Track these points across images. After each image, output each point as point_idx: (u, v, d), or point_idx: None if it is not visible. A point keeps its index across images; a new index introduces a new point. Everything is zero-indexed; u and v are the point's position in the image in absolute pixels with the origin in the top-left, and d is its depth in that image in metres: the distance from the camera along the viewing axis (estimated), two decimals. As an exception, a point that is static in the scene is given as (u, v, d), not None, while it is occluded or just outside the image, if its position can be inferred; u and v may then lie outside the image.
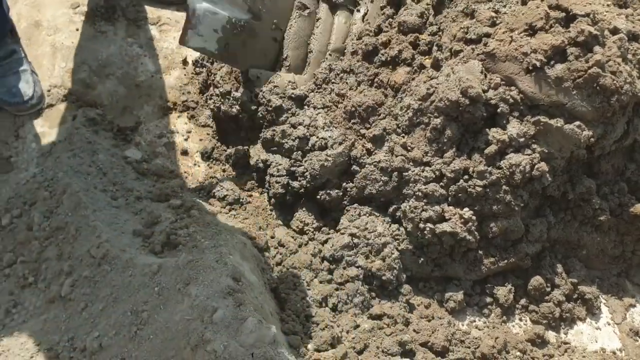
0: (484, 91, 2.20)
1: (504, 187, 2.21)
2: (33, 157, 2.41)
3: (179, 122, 2.68)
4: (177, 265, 1.89)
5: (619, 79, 2.14)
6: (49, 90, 2.60)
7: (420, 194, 2.25)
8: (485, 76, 2.25)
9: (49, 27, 2.81)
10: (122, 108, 2.64)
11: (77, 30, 2.82)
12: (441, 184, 2.25)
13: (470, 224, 2.22)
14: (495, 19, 2.32)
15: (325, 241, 2.35)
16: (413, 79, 2.40)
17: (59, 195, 2.24)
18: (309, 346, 2.01)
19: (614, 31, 2.24)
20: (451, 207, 2.25)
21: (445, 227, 2.21)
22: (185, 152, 2.59)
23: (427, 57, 2.46)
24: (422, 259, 2.31)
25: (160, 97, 2.71)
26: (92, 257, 2.03)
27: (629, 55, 2.27)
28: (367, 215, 2.36)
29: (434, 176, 2.26)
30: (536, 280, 2.36)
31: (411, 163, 2.30)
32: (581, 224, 2.41)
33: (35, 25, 2.80)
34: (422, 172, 2.27)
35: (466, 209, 2.24)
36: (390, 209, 2.37)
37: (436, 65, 2.41)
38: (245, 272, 1.91)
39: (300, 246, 2.34)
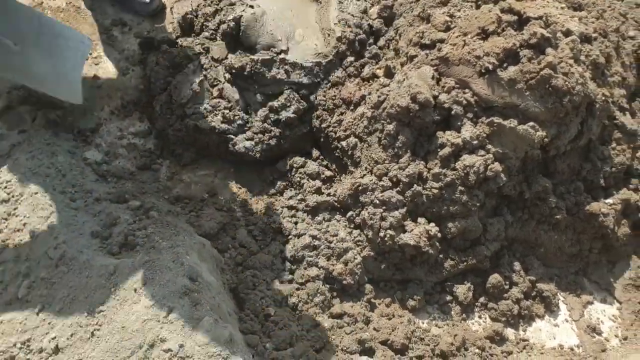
0: (436, 96, 2.25)
1: (459, 187, 2.25)
2: (-9, 160, 2.39)
3: (139, 123, 2.66)
4: (134, 265, 1.89)
5: (570, 80, 2.19)
6: (8, 92, 2.57)
7: (377, 201, 2.28)
8: (439, 81, 2.29)
9: (9, 28, 2.79)
10: (82, 109, 2.62)
11: (38, 32, 2.80)
12: (397, 189, 2.28)
13: (434, 239, 2.26)
14: (449, 23, 2.36)
15: (287, 242, 2.36)
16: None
17: (17, 197, 2.22)
18: (267, 345, 2.01)
19: (567, 33, 2.30)
20: (415, 222, 2.28)
21: (408, 239, 2.24)
22: (148, 152, 2.58)
23: (377, 66, 2.51)
24: (383, 265, 2.34)
25: (121, 98, 2.69)
26: (50, 259, 2.02)
27: (582, 56, 2.33)
28: (327, 219, 2.39)
29: (390, 184, 2.29)
30: (495, 279, 2.40)
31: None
32: (538, 222, 2.46)
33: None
34: (379, 180, 2.30)
35: (432, 224, 2.27)
36: (349, 214, 2.40)
37: (388, 74, 2.45)
38: (202, 273, 1.92)
39: (261, 247, 2.35)
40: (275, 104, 2.46)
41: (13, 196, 2.23)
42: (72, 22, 2.87)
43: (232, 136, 2.45)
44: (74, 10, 2.92)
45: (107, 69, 2.77)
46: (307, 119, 2.54)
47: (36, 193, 2.19)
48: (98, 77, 2.73)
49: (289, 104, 2.46)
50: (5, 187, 2.25)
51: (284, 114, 2.45)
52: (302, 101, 2.49)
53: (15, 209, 2.20)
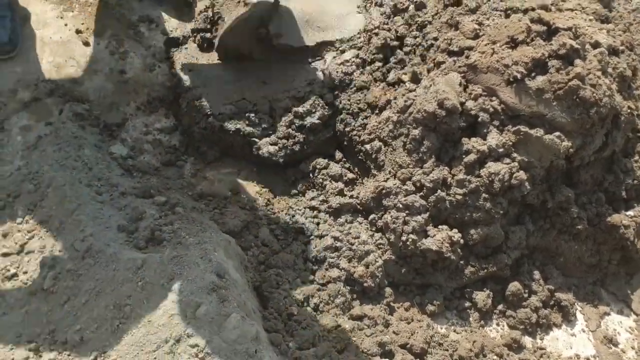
0: (463, 103, 2.26)
1: (483, 195, 2.25)
2: (18, 150, 2.40)
3: (165, 119, 2.68)
4: (162, 260, 1.90)
5: (598, 91, 2.20)
6: (35, 84, 2.59)
7: (400, 205, 2.29)
8: (466, 88, 2.30)
9: (37, 21, 2.81)
10: (109, 104, 2.64)
11: (66, 25, 2.83)
12: (421, 194, 2.29)
13: (456, 245, 2.27)
14: (478, 31, 2.37)
15: (308, 242, 2.37)
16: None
17: (44, 189, 2.24)
18: (291, 344, 2.03)
19: (595, 45, 2.31)
20: (437, 228, 2.29)
21: (430, 244, 2.25)
22: (173, 148, 2.60)
23: (403, 71, 2.52)
24: (404, 269, 2.35)
25: (147, 94, 2.71)
26: (76, 251, 2.03)
27: (609, 69, 2.34)
28: (349, 222, 2.40)
29: (414, 188, 2.30)
30: (514, 286, 2.41)
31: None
32: (559, 232, 2.47)
33: (23, 19, 2.79)
34: (403, 185, 2.31)
35: (455, 230, 2.28)
36: (371, 217, 2.41)
37: (415, 79, 2.46)
38: (229, 269, 1.93)
39: (283, 247, 2.36)
40: (301, 109, 2.48)
41: (40, 187, 2.24)
42: (100, 17, 2.90)
43: (256, 139, 2.47)
44: (102, 5, 2.94)
45: (133, 64, 2.79)
46: (331, 122, 2.55)
47: (63, 185, 2.21)
48: (125, 72, 2.75)
49: (314, 110, 2.48)
50: (33, 179, 2.27)
51: (308, 120, 2.47)
52: (327, 107, 2.50)
53: (41, 200, 2.22)
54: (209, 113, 2.50)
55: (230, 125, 2.46)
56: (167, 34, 2.90)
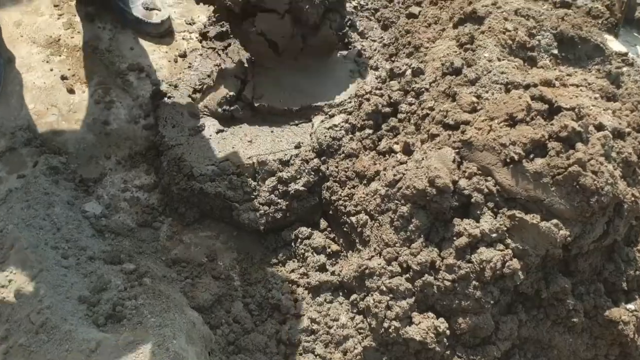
0: (456, 181, 2.12)
1: (473, 282, 2.10)
2: (-14, 204, 2.29)
3: (145, 176, 2.56)
4: (117, 345, 1.76)
5: (600, 179, 2.05)
6: (12, 133, 2.49)
7: (384, 288, 2.14)
8: (460, 165, 2.17)
9: (22, 64, 2.72)
10: (88, 157, 2.53)
11: (52, 70, 2.73)
12: (406, 276, 2.14)
13: (442, 336, 2.11)
14: (476, 104, 2.25)
15: (284, 321, 2.22)
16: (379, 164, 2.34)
17: (7, 250, 2.12)
18: None
19: (599, 127, 2.17)
20: (423, 315, 2.13)
21: (414, 333, 2.09)
22: (150, 208, 2.47)
23: (395, 140, 2.39)
24: (385, 357, 2.18)
25: (130, 148, 2.60)
26: (32, 324, 1.90)
27: (613, 153, 2.20)
28: (329, 301, 2.26)
29: (400, 270, 2.15)
30: (503, 379, 2.24)
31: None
32: (553, 323, 2.30)
33: (7, 61, 2.71)
34: (388, 265, 2.17)
35: (441, 319, 2.12)
36: (352, 298, 2.26)
37: (407, 151, 2.33)
38: (188, 359, 1.78)
39: (256, 324, 2.21)
40: (285, 175, 2.35)
41: (2, 248, 2.13)
42: (88, 63, 2.80)
43: (237, 204, 2.34)
44: (91, 50, 2.86)
45: (118, 116, 2.69)
46: (317, 189, 2.41)
47: (26, 248, 2.09)
48: (108, 123, 2.65)
49: (299, 176, 2.35)
50: (-4, 238, 2.16)
51: (292, 187, 2.33)
52: (312, 173, 2.37)
53: (3, 262, 2.10)
54: (189, 174, 2.37)
55: (211, 189, 2.34)
56: (157, 84, 2.79)
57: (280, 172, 2.36)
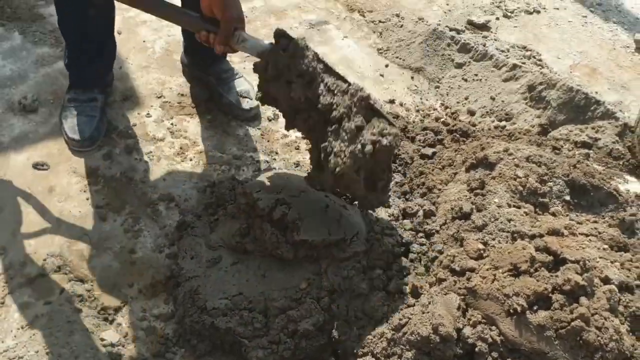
0: (460, 329, 2.15)
1: None
2: (12, 329, 2.42)
3: (164, 305, 2.66)
4: None
5: (604, 335, 2.06)
6: (44, 260, 2.66)
7: None
8: (465, 312, 2.20)
9: (61, 193, 2.94)
10: (111, 285, 2.66)
11: (88, 199, 2.94)
12: None
13: None
14: (482, 252, 2.31)
15: None
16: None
17: (23, 378, 2.22)
18: None
19: (605, 281, 2.20)
20: None
21: None
22: (164, 338, 2.55)
23: (404, 281, 2.45)
24: None
25: (152, 277, 2.72)
26: None
27: (620, 307, 2.20)
28: None
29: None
30: None
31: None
32: None
33: (49, 190, 2.93)
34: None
35: None
36: None
37: (415, 294, 2.38)
38: None
39: None
40: (295, 313, 2.41)
41: (20, 376, 2.23)
42: (122, 192, 3.00)
43: (246, 340, 2.40)
44: (126, 181, 3.06)
45: (144, 244, 2.83)
46: (327, 328, 2.46)
47: (42, 377, 2.18)
48: (134, 252, 2.79)
49: (308, 315, 2.41)
50: (15, 364, 2.26)
51: (302, 326, 2.39)
52: (323, 311, 2.43)
53: (19, 390, 2.19)
54: (203, 307, 2.47)
55: (222, 324, 2.41)
56: (184, 214, 2.95)
57: (291, 309, 2.43)
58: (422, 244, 2.58)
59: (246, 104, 3.45)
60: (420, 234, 2.62)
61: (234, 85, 3.49)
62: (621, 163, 3.26)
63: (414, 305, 2.35)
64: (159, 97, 3.52)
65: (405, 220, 2.69)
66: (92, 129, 3.14)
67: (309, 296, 2.48)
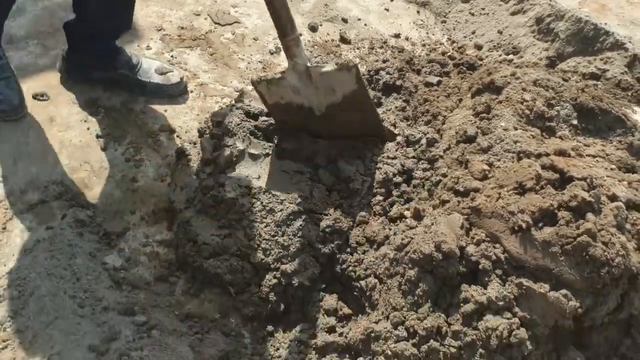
0: (464, 247, 2.13)
1: (479, 350, 2.06)
2: (14, 253, 2.41)
3: (167, 232, 2.65)
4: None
5: (610, 250, 2.03)
6: (45, 187, 2.64)
7: (389, 352, 2.13)
8: (468, 231, 2.18)
9: (61, 123, 2.91)
10: (113, 212, 2.64)
11: (88, 129, 2.91)
12: (413, 341, 2.13)
13: None
14: (487, 172, 2.27)
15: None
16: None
17: (27, 297, 2.22)
18: None
19: (612, 198, 2.16)
20: None
21: None
22: (168, 263, 2.55)
23: (406, 206, 2.42)
24: None
25: (154, 205, 2.71)
26: (42, 369, 1.98)
27: (628, 225, 2.17)
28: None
29: (406, 334, 2.14)
30: None
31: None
32: (566, 398, 2.22)
33: (49, 120, 2.90)
34: (395, 329, 2.16)
35: None
36: (360, 360, 2.26)
37: (417, 216, 2.35)
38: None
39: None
40: (289, 268, 2.38)
41: (23, 295, 2.23)
42: (122, 122, 2.97)
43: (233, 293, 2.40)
44: (127, 112, 3.02)
45: (146, 173, 2.81)
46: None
47: (45, 296, 2.19)
48: (136, 180, 2.77)
49: (303, 269, 2.39)
50: (19, 285, 2.27)
51: (296, 280, 2.37)
52: (317, 264, 2.40)
53: (22, 308, 2.20)
54: (194, 239, 2.45)
55: (211, 268, 2.39)
56: (183, 144, 2.92)
57: (284, 264, 2.40)
58: (425, 170, 2.54)
59: (173, 77, 3.13)
60: (423, 162, 2.58)
61: (148, 67, 3.12)
62: (629, 94, 3.19)
63: (416, 227, 2.32)
64: (159, 30, 3.46)
65: (408, 148, 2.64)
66: (18, 93, 2.86)
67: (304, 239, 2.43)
